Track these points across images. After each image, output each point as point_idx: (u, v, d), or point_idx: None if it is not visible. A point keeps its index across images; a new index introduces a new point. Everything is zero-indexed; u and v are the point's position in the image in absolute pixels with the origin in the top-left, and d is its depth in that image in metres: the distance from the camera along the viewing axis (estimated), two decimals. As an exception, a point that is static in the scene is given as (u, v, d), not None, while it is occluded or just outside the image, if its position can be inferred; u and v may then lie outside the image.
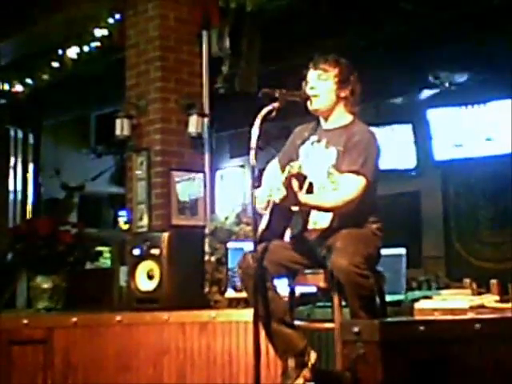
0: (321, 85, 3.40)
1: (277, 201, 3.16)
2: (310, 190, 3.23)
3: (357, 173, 3.26)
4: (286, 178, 3.10)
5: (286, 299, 3.46)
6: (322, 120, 3.50)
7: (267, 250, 3.31)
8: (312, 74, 3.43)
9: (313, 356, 3.34)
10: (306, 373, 3.27)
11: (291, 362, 3.29)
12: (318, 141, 3.45)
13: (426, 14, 5.81)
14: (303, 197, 3.17)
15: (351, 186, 3.26)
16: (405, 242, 4.78)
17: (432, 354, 2.49)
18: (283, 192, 3.10)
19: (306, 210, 3.33)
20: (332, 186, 3.32)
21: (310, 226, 3.39)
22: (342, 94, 3.42)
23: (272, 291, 3.32)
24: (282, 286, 3.43)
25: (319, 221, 3.35)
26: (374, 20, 5.98)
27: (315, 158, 3.41)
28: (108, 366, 4.21)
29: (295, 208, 3.26)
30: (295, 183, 3.12)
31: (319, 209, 3.30)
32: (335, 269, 3.09)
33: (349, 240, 3.16)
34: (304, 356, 3.31)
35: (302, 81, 3.45)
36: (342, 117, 3.45)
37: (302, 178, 3.17)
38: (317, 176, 3.30)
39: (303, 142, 3.51)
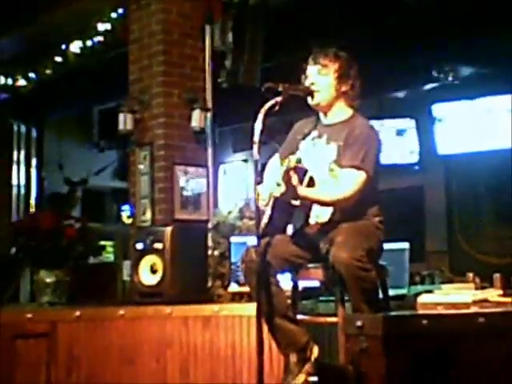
0: (321, 80, 3.39)
1: (277, 195, 3.16)
2: (311, 184, 3.23)
3: (357, 167, 3.25)
4: (285, 172, 3.10)
5: (289, 294, 3.47)
6: (321, 115, 3.48)
7: (270, 244, 3.30)
8: (312, 69, 3.41)
9: (315, 350, 3.34)
10: (309, 367, 3.27)
11: (293, 357, 3.29)
12: (319, 136, 3.44)
13: (429, 8, 5.80)
14: (302, 190, 3.17)
15: (351, 181, 3.25)
16: (408, 236, 4.78)
17: (435, 348, 2.49)
18: (283, 186, 3.10)
19: (308, 204, 3.32)
20: (333, 181, 3.31)
21: (313, 220, 3.38)
22: (343, 89, 3.40)
23: (275, 286, 3.32)
24: (284, 281, 3.44)
25: (321, 215, 3.34)
26: (378, 14, 5.97)
27: (316, 154, 3.39)
28: (111, 359, 4.21)
29: (296, 202, 3.25)
30: (294, 177, 3.11)
31: (319, 203, 3.30)
32: (336, 262, 3.09)
33: (350, 233, 3.16)
34: (306, 351, 3.31)
35: (302, 75, 3.44)
36: (342, 111, 3.43)
37: (302, 172, 3.16)
38: (318, 172, 3.29)
39: (304, 137, 3.49)
